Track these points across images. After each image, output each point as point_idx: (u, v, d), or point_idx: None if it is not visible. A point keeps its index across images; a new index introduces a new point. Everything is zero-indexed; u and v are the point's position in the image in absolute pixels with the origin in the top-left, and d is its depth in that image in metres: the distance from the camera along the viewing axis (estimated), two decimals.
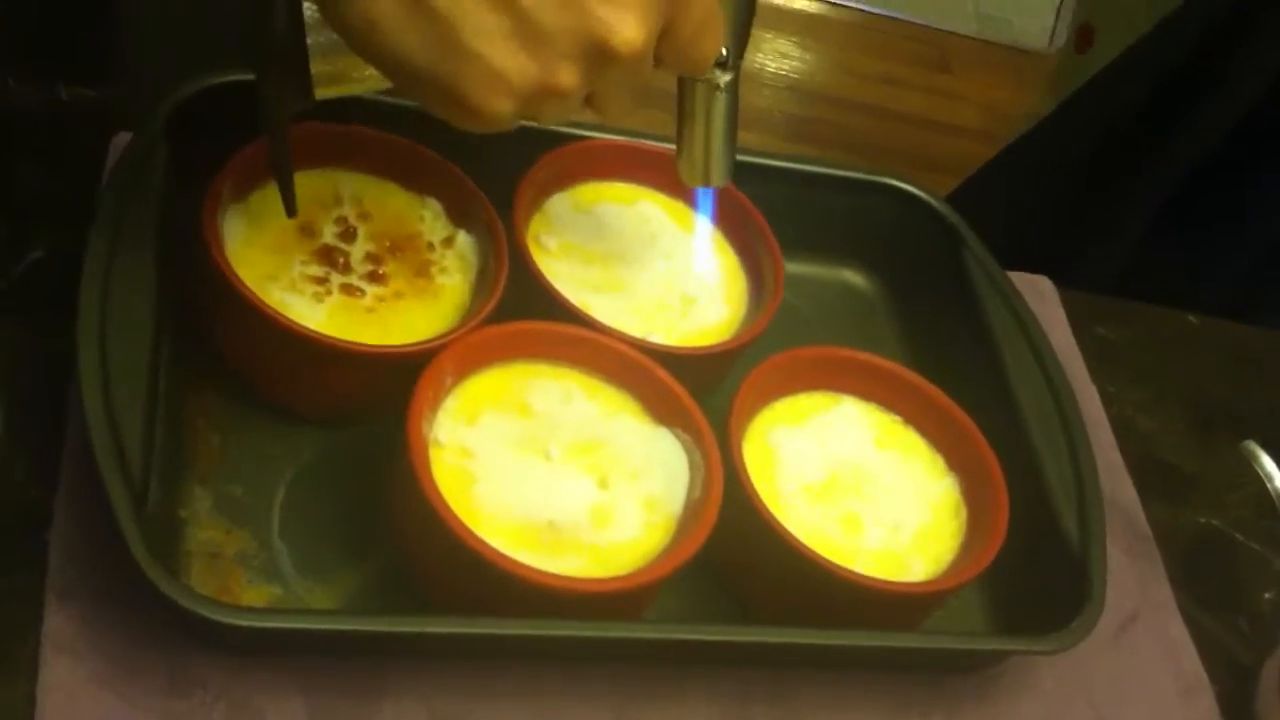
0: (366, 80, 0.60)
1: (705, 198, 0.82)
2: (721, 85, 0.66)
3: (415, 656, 0.66)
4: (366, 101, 0.74)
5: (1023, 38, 2.90)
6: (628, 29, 0.56)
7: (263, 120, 0.62)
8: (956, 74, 2.81)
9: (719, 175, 0.70)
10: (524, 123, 0.59)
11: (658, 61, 0.60)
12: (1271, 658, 0.79)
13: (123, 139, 0.76)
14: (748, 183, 0.83)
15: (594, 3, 0.55)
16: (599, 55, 0.56)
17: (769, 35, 2.72)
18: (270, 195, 0.72)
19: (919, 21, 2.88)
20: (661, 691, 0.69)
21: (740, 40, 0.65)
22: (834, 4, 2.85)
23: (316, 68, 0.60)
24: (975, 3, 2.96)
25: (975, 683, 0.75)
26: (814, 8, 2.83)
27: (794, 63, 2.69)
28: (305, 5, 0.58)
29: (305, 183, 0.73)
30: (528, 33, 0.55)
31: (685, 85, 0.67)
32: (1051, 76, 1.33)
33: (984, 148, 2.33)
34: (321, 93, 0.61)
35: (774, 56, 2.68)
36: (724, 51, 0.64)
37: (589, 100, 0.60)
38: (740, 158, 0.84)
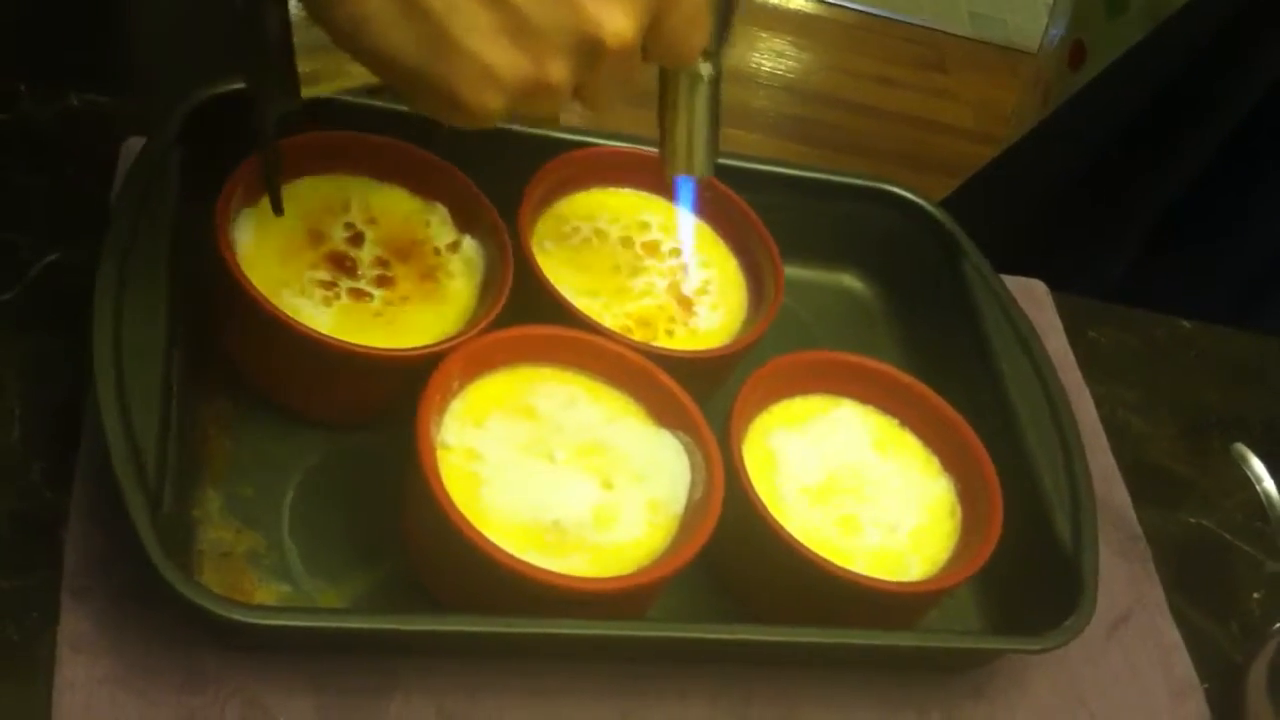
0: (351, 77, 0.60)
1: (685, 190, 0.81)
2: (704, 76, 0.66)
3: (423, 655, 0.67)
4: (374, 109, 0.76)
5: (1016, 37, 2.91)
6: (617, 22, 0.56)
7: (256, 121, 0.62)
8: (951, 74, 2.82)
9: (701, 165, 0.70)
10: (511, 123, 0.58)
11: (645, 54, 0.61)
12: (1260, 658, 0.80)
13: (134, 144, 0.77)
14: (747, 188, 0.84)
15: None
16: (589, 49, 0.57)
17: (764, 35, 2.73)
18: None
19: (914, 21, 2.89)
20: (664, 690, 0.70)
21: (722, 30, 0.65)
22: (829, 4, 2.86)
23: (303, 66, 0.59)
24: (968, 2, 2.98)
25: (971, 681, 0.76)
26: (809, 7, 2.84)
27: (789, 62, 2.70)
28: (291, 3, 0.57)
29: (314, 188, 0.75)
30: (519, 29, 0.55)
31: (668, 76, 0.67)
32: (1045, 79, 1.33)
33: (979, 147, 2.34)
34: (307, 92, 0.60)
35: (769, 56, 2.69)
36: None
37: (578, 94, 0.60)
38: (740, 163, 0.86)
